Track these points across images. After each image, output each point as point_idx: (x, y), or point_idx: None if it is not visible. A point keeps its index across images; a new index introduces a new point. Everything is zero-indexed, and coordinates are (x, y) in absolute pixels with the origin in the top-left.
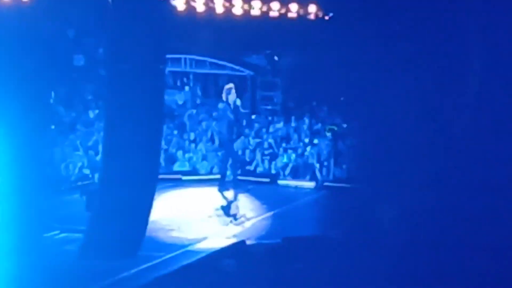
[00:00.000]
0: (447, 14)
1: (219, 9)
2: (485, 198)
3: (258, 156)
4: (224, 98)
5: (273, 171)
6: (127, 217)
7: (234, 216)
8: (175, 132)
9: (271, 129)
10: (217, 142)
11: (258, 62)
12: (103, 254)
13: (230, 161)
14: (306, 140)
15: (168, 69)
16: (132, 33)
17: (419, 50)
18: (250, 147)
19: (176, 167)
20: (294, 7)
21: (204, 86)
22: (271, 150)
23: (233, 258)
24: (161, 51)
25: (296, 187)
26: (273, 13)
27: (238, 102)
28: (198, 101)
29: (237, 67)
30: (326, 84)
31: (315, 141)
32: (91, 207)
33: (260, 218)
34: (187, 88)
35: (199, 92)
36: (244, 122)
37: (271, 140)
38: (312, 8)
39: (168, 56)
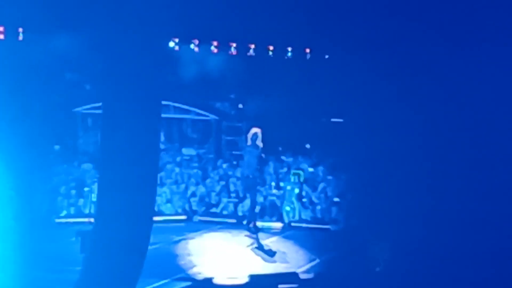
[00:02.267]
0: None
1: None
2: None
3: (225, 198)
4: (249, 143)
5: (239, 213)
6: (123, 258)
7: (274, 254)
8: None
9: (237, 174)
10: (183, 186)
11: (223, 107)
12: None
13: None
14: (273, 184)
15: None
16: (128, 74)
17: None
18: (216, 190)
19: None
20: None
21: (168, 131)
22: (235, 194)
23: None
24: (158, 90)
25: (262, 227)
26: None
27: (261, 145)
28: (162, 147)
29: (201, 112)
30: (291, 130)
31: (281, 184)
32: (85, 249)
33: None
34: None
35: (162, 138)
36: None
37: (237, 183)
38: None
39: None
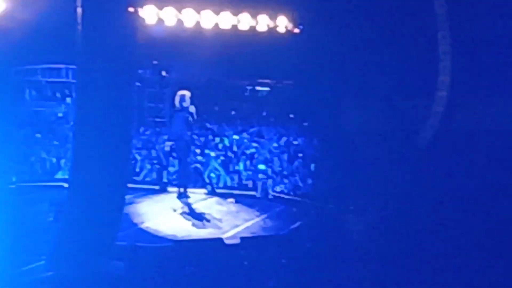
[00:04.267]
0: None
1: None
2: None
3: (148, 166)
4: (177, 105)
5: (164, 180)
6: (97, 227)
7: (206, 219)
8: (56, 142)
9: (160, 140)
10: None
11: (145, 73)
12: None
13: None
14: (198, 151)
15: (46, 79)
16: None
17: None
18: (139, 158)
19: (59, 176)
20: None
21: None
22: (158, 161)
23: (122, 261)
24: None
25: (190, 193)
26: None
27: (193, 109)
28: None
29: None
30: (216, 97)
31: (206, 151)
32: (60, 218)
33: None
34: (68, 99)
35: None
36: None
37: (160, 150)
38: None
39: (47, 66)
